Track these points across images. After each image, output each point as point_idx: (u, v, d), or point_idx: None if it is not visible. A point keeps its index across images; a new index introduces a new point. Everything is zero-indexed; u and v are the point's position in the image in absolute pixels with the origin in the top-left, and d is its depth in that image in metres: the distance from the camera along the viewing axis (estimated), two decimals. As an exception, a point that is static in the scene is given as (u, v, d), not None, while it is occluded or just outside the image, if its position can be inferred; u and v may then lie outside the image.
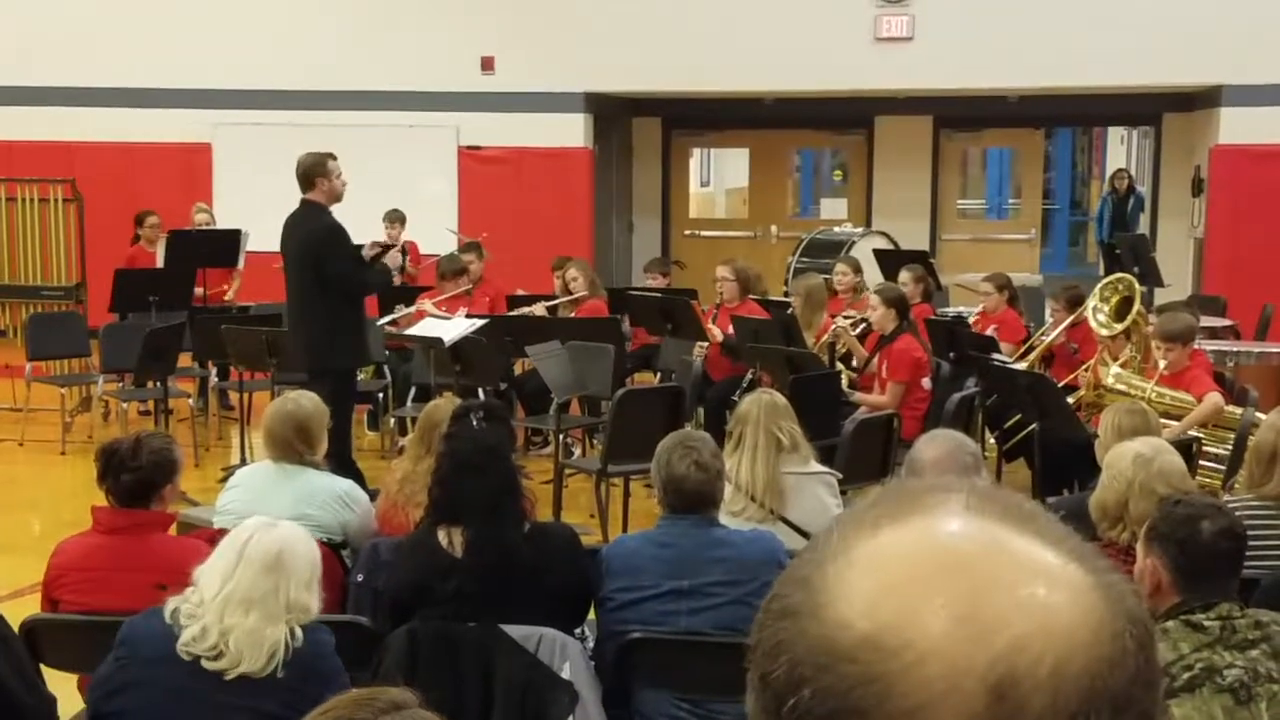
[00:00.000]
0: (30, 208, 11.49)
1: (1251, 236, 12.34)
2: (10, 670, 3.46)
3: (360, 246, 8.12)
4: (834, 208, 15.90)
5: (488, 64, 13.33)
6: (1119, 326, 7.76)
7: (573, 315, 9.58)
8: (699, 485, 4.06)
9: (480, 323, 8.57)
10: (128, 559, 4.07)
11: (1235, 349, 8.98)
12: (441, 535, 4.02)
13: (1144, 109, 14.65)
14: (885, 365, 8.07)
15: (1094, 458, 4.85)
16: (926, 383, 8.02)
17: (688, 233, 15.68)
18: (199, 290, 10.49)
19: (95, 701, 3.37)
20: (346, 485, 5.00)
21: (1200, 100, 13.40)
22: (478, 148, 13.45)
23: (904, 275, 9.43)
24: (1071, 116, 16.63)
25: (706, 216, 16.97)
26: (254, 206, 11.05)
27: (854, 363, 8.74)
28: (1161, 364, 7.04)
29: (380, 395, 9.94)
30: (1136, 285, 8.01)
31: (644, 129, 15.52)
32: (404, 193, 12.02)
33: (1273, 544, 4.32)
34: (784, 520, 4.85)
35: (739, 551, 4.05)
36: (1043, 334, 8.88)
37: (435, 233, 11.86)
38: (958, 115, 14.74)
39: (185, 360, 9.88)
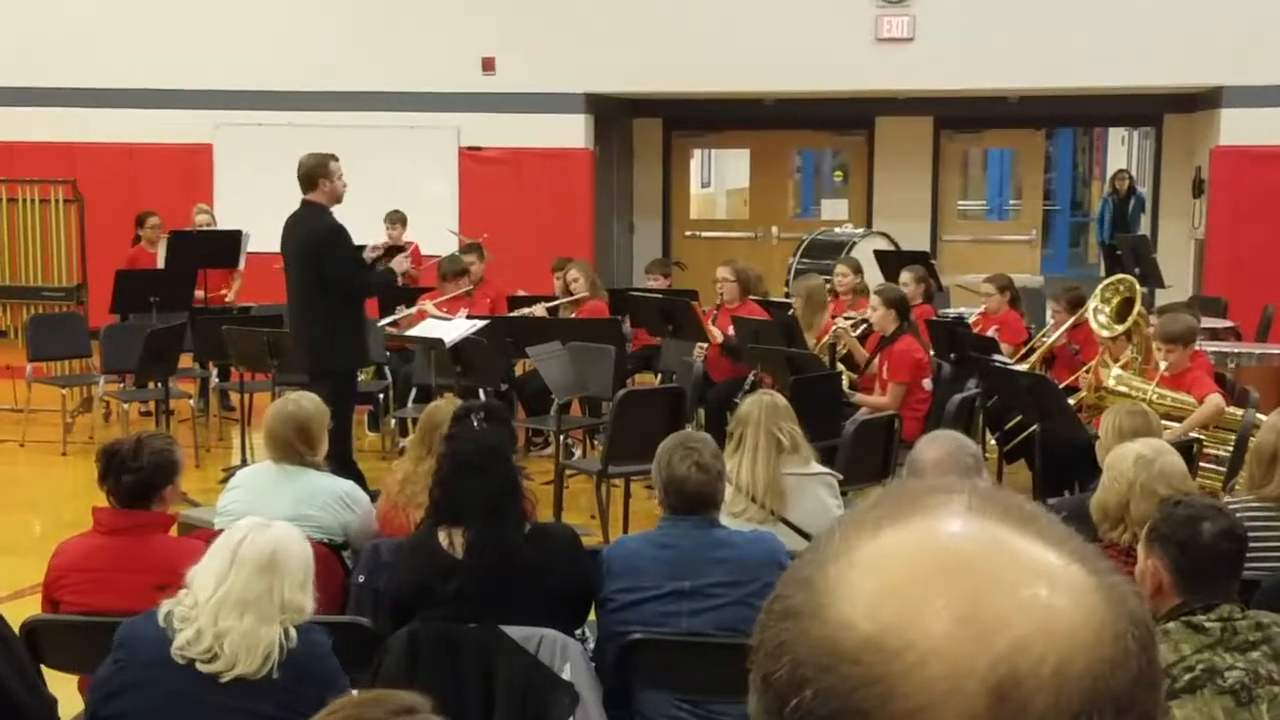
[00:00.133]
0: (31, 208, 11.49)
1: (1252, 237, 12.34)
2: (11, 671, 3.46)
3: (362, 248, 8.12)
4: (835, 208, 15.90)
5: (488, 65, 13.33)
6: (1120, 328, 7.76)
7: (573, 316, 9.58)
8: (700, 486, 4.06)
9: (481, 324, 8.58)
10: (128, 560, 4.08)
11: (1236, 350, 8.99)
12: (442, 536, 4.02)
13: (1145, 110, 14.65)
14: (886, 366, 8.07)
15: (1095, 459, 4.85)
16: (927, 384, 8.02)
17: (688, 233, 15.69)
18: (199, 293, 10.49)
19: (94, 704, 3.37)
20: (347, 486, 5.00)
21: (1201, 101, 13.40)
22: (478, 148, 13.45)
23: (905, 276, 9.43)
24: (1072, 117, 16.63)
25: (707, 217, 16.97)
26: (255, 207, 11.06)
27: (863, 362, 8.74)
28: (1162, 365, 7.04)
29: (381, 396, 9.94)
30: (1137, 286, 8.01)
31: (645, 130, 15.52)
32: (404, 194, 12.02)
33: (1273, 545, 4.32)
34: (785, 521, 4.85)
35: (740, 552, 4.05)
36: (1044, 335, 8.88)
37: (436, 234, 11.86)
38: (958, 116, 14.75)
39: (186, 361, 9.88)
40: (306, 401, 5.03)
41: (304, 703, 3.26)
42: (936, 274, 10.89)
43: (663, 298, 9.76)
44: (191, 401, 10.30)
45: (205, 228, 11.22)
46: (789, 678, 0.76)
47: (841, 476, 5.47)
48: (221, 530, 4.11)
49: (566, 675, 3.88)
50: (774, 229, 15.47)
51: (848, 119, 14.98)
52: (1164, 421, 5.92)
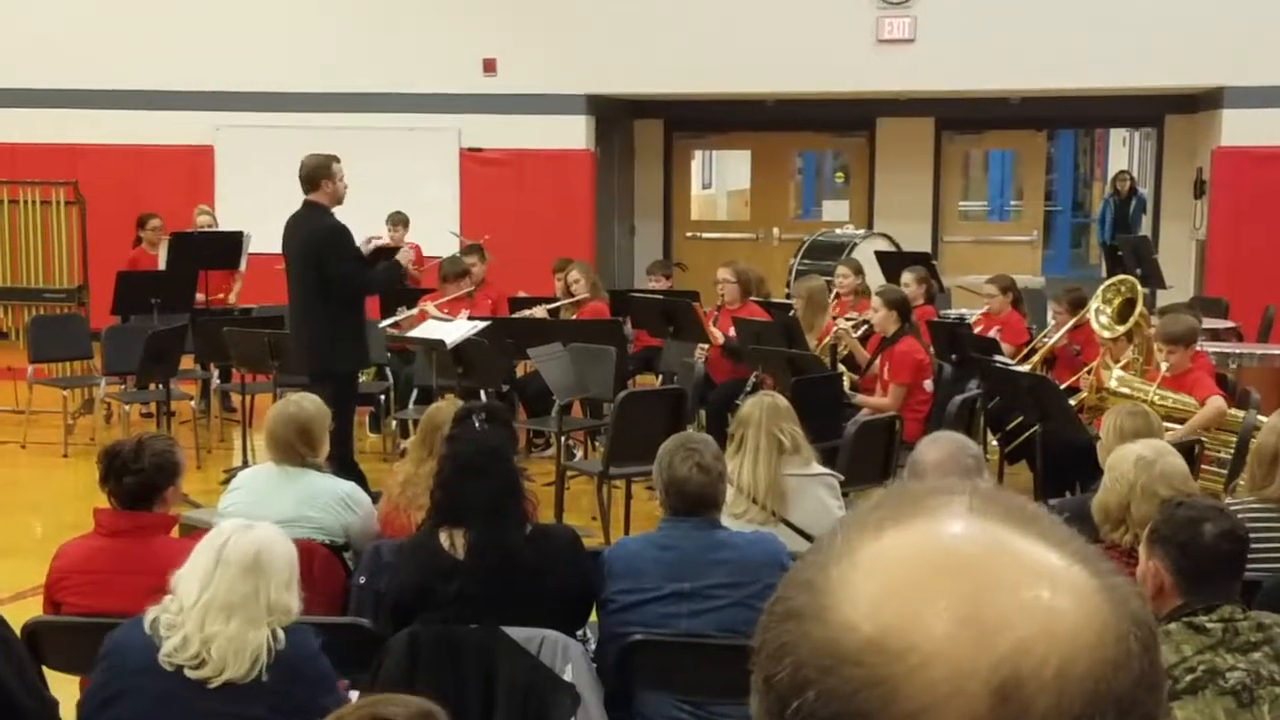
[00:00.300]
0: (32, 210, 11.49)
1: (1253, 238, 12.34)
2: (12, 672, 3.46)
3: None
4: (836, 210, 15.90)
5: (489, 66, 13.33)
6: (1121, 328, 7.76)
7: (574, 317, 9.58)
8: (701, 487, 4.06)
9: (482, 325, 8.58)
10: (130, 561, 4.07)
11: (1237, 351, 8.98)
12: (443, 537, 4.02)
13: (1146, 111, 14.65)
14: (887, 367, 8.07)
15: (1096, 460, 4.85)
16: (928, 385, 8.02)
17: (689, 235, 15.69)
18: (200, 295, 10.50)
19: (87, 713, 3.35)
20: (348, 487, 5.00)
21: (1202, 102, 13.40)
22: (479, 150, 13.45)
23: (906, 277, 9.42)
24: (1073, 118, 16.63)
25: (708, 218, 16.97)
26: (256, 208, 11.06)
27: (864, 363, 8.74)
28: (1163, 366, 7.04)
29: (382, 397, 9.94)
30: (1139, 287, 8.01)
31: (646, 131, 15.52)
32: (406, 195, 12.03)
33: (1275, 546, 4.32)
34: (786, 522, 4.85)
35: (741, 554, 4.05)
36: (1045, 336, 8.88)
37: (437, 235, 11.86)
38: (959, 117, 14.75)
39: (187, 363, 9.89)
40: (308, 403, 5.03)
41: (296, 705, 3.25)
42: (938, 275, 10.89)
43: (664, 299, 9.76)
44: (193, 403, 10.30)
45: (206, 229, 11.22)
46: (791, 679, 0.76)
47: (843, 478, 5.47)
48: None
49: (568, 676, 3.88)
50: (775, 230, 15.47)
51: (849, 120, 14.98)
52: (1165, 423, 5.92)
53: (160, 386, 9.61)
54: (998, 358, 8.30)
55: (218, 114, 13.39)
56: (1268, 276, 11.75)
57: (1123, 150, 20.31)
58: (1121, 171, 17.03)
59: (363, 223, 8.53)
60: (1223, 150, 12.67)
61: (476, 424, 4.23)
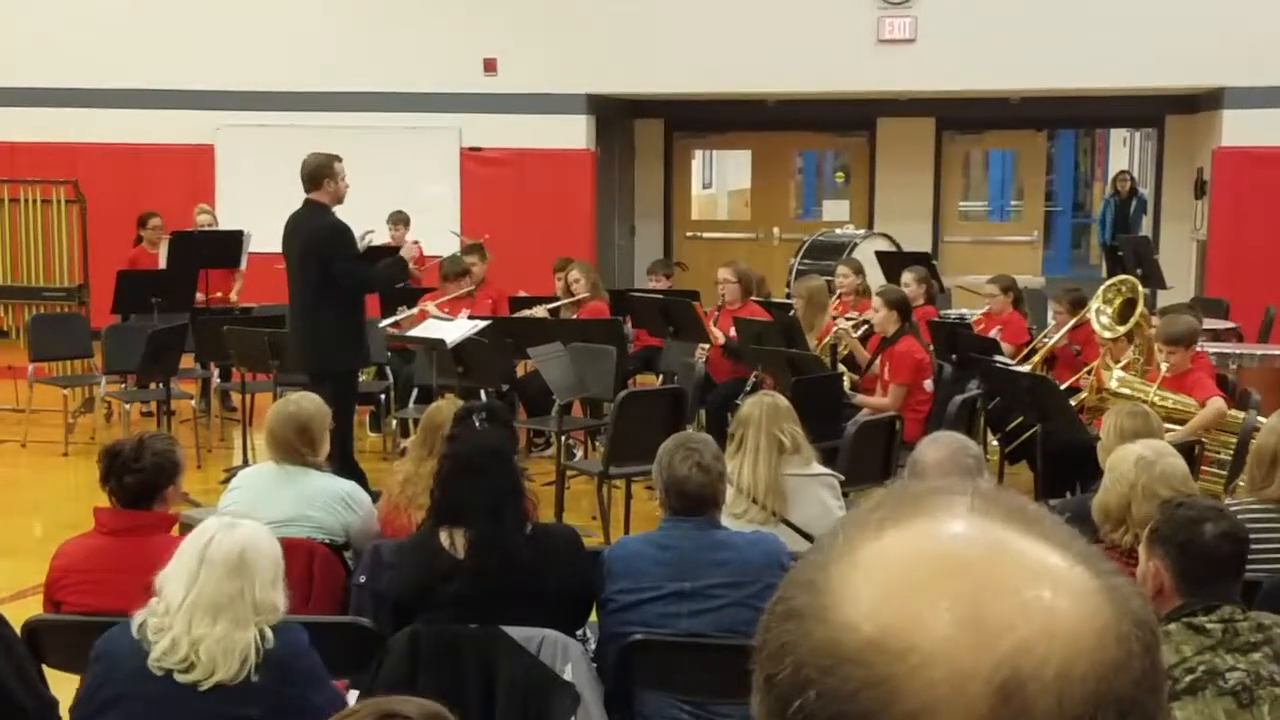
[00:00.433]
0: (33, 209, 11.49)
1: (1254, 239, 12.34)
2: (12, 672, 3.46)
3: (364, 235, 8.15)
4: (836, 210, 15.90)
5: (490, 66, 13.33)
6: (1122, 329, 7.76)
7: (574, 317, 9.58)
8: (701, 487, 4.06)
9: (482, 324, 8.57)
10: (130, 560, 4.07)
11: (1238, 351, 8.98)
12: (443, 537, 4.02)
13: (1146, 111, 14.65)
14: (887, 367, 8.07)
15: (1096, 460, 4.85)
16: (928, 385, 8.02)
17: (689, 235, 15.69)
18: (200, 295, 10.50)
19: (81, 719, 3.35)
20: (349, 487, 5.00)
21: (1203, 102, 13.40)
22: (480, 149, 13.45)
23: (907, 277, 9.43)
24: (1074, 118, 16.63)
25: (708, 218, 16.97)
26: (256, 208, 11.06)
27: (864, 363, 8.74)
28: (1164, 367, 7.04)
29: (382, 397, 9.94)
30: (1139, 287, 8.01)
31: (646, 131, 15.52)
32: (406, 194, 12.03)
33: (1274, 547, 4.32)
34: (786, 522, 4.85)
35: (741, 553, 4.05)
36: (1045, 336, 8.88)
37: (438, 234, 11.86)
38: (960, 117, 14.75)
39: (187, 361, 9.89)
40: (307, 402, 5.03)
41: (288, 703, 3.25)
42: (938, 275, 10.89)
43: (664, 299, 9.76)
44: (193, 402, 10.30)
45: (207, 228, 11.22)
46: (791, 679, 0.76)
47: (843, 477, 5.47)
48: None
49: (568, 676, 3.88)
50: (775, 230, 15.47)
51: (849, 120, 14.98)
52: (1165, 424, 5.92)
53: (160, 385, 9.61)
54: (998, 358, 8.30)
55: (218, 113, 13.39)
56: (1268, 277, 11.75)
57: (1123, 150, 20.31)
58: (1122, 172, 17.04)
59: (363, 222, 8.54)
60: (1223, 150, 12.67)
61: (477, 423, 4.23)
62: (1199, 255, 13.48)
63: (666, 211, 15.63)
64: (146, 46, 13.34)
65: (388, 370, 10.03)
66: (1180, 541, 3.11)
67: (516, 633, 3.88)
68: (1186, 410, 6.87)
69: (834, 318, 9.08)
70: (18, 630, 3.75)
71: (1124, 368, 7.43)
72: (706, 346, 9.08)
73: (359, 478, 6.25)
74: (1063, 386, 7.58)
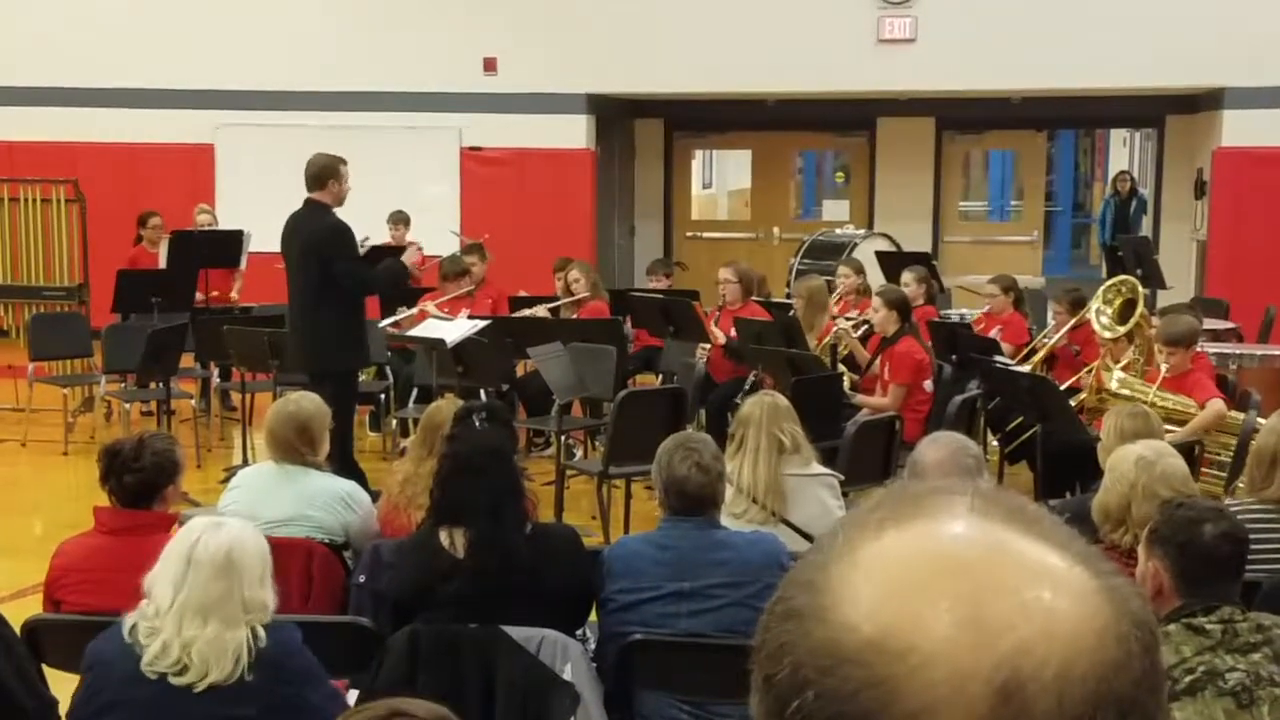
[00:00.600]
0: (33, 208, 11.49)
1: (1254, 239, 12.34)
2: (11, 672, 3.45)
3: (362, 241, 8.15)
4: (836, 209, 15.90)
5: (490, 65, 13.34)
6: (1122, 329, 7.76)
7: (574, 317, 9.58)
8: (700, 487, 4.06)
9: (482, 324, 8.57)
10: (129, 560, 4.06)
11: (1238, 351, 8.98)
12: (443, 537, 4.02)
13: (1147, 111, 14.65)
14: (887, 367, 8.07)
15: (1096, 460, 4.85)
16: (928, 385, 8.02)
17: (689, 234, 15.69)
18: (200, 295, 10.50)
19: None
20: (348, 486, 5.00)
21: (1203, 102, 13.40)
22: (480, 149, 13.45)
23: (906, 277, 9.42)
24: (1074, 118, 16.63)
25: (708, 218, 16.97)
26: (256, 207, 11.06)
27: (864, 363, 8.73)
28: (1163, 367, 7.03)
29: (382, 396, 9.94)
30: (1139, 288, 8.00)
31: (646, 130, 15.52)
32: (406, 194, 12.03)
33: (1274, 547, 4.32)
34: (785, 522, 4.85)
35: (740, 553, 4.05)
36: (1045, 336, 8.88)
37: (437, 234, 11.86)
38: (960, 117, 14.75)
39: (187, 361, 9.89)
40: (307, 402, 5.03)
41: (283, 701, 3.24)
42: (938, 275, 10.89)
43: (664, 298, 9.76)
44: (193, 401, 10.30)
45: (206, 228, 11.22)
46: (790, 679, 0.76)
47: (843, 477, 5.47)
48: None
49: (567, 676, 3.88)
50: (775, 230, 15.47)
51: (849, 120, 14.98)
52: (1165, 426, 5.91)
53: (160, 385, 9.61)
54: (998, 358, 8.30)
55: (218, 113, 13.38)
56: (1268, 277, 11.75)
57: (1123, 150, 20.32)
58: (1122, 172, 17.04)
59: (363, 222, 8.55)
60: (1223, 151, 12.67)
61: (476, 423, 4.23)
62: (1199, 255, 13.48)
63: (666, 211, 15.63)
64: (146, 46, 13.35)
65: (387, 370, 10.02)
66: (1180, 542, 3.11)
67: (516, 632, 3.88)
68: (1186, 411, 6.86)
69: (834, 318, 9.08)
70: (17, 630, 3.74)
71: (1124, 368, 7.42)
72: (707, 346, 9.08)
73: (359, 477, 6.25)
74: (1063, 387, 7.58)
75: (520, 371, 9.39)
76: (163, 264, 10.80)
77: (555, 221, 12.94)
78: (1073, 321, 8.49)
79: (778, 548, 4.16)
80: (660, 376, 9.81)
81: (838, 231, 13.33)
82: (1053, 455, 7.10)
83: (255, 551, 3.29)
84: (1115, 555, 3.64)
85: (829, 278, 9.99)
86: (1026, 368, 8.25)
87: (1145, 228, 15.02)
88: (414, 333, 8.82)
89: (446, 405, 5.11)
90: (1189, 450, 5.83)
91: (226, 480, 6.14)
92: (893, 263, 10.78)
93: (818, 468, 5.15)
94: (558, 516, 7.18)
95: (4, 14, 13.68)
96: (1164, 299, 10.80)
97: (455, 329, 8.35)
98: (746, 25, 12.82)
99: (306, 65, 13.24)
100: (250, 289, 11.06)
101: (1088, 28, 12.40)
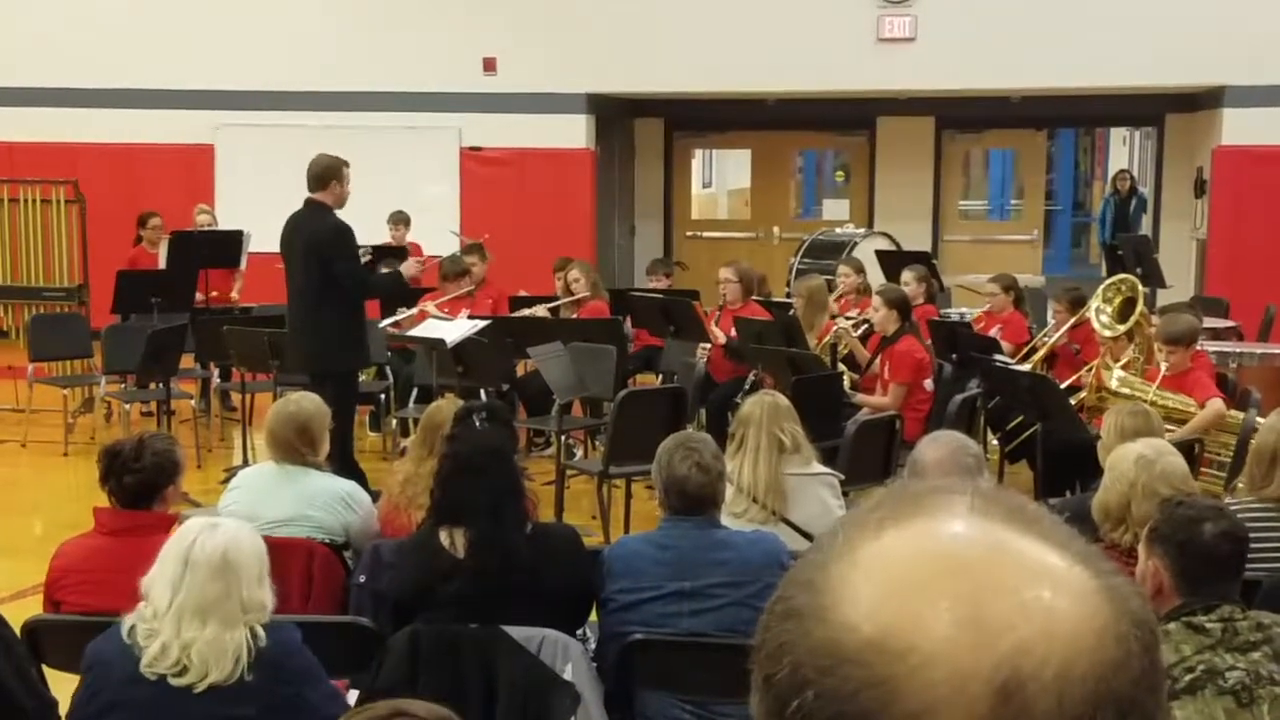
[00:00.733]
0: (32, 209, 11.49)
1: (1254, 237, 12.34)
2: (11, 672, 3.45)
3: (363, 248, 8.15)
4: (836, 209, 15.90)
5: (490, 65, 13.33)
6: (1122, 328, 7.75)
7: (575, 316, 9.58)
8: (700, 487, 4.06)
9: (482, 324, 8.57)
10: (129, 560, 4.05)
11: (1238, 350, 8.98)
12: (443, 536, 4.01)
13: (1146, 110, 14.65)
14: (887, 366, 8.06)
15: (1096, 459, 4.85)
16: (929, 384, 8.02)
17: (690, 234, 15.69)
18: (200, 295, 10.50)
19: None
20: (349, 486, 5.00)
21: (1203, 101, 13.40)
22: (480, 149, 13.45)
23: (907, 276, 9.42)
24: (1074, 117, 16.63)
25: (708, 218, 16.97)
26: (256, 207, 11.06)
27: (864, 362, 8.73)
28: (1163, 366, 7.03)
29: (382, 396, 9.94)
30: (1139, 286, 8.00)
31: (646, 130, 15.52)
32: (406, 194, 12.03)
33: (1274, 546, 4.32)
34: (786, 521, 4.85)
35: (741, 553, 4.05)
36: (1045, 335, 8.88)
37: (437, 234, 11.86)
38: (960, 116, 14.74)
39: (187, 361, 9.89)
40: (307, 402, 5.03)
41: (283, 701, 3.25)
42: (938, 274, 10.89)
43: (664, 298, 9.76)
44: (193, 402, 10.30)
45: (206, 228, 11.22)
46: (790, 679, 0.76)
47: (843, 477, 5.47)
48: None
49: (568, 675, 3.88)
50: (775, 229, 15.47)
51: (849, 119, 14.98)
52: (1165, 425, 5.91)
53: (160, 385, 9.61)
54: (998, 357, 8.30)
55: (218, 113, 13.39)
56: (1268, 276, 11.75)
57: (1123, 149, 20.32)
58: (1122, 170, 17.03)
59: (363, 222, 8.54)
60: (1223, 149, 12.67)
61: (477, 423, 4.23)
62: (1199, 254, 13.48)
63: (666, 211, 15.63)
64: (146, 46, 13.34)
65: (388, 370, 10.02)
66: (1180, 541, 3.11)
67: (517, 632, 3.88)
68: (1186, 410, 6.86)
69: (834, 317, 9.07)
70: (17, 630, 3.74)
71: (1124, 367, 7.42)
72: (707, 346, 9.07)
73: (359, 477, 6.25)
74: (1063, 385, 7.57)
75: (520, 371, 9.39)
76: (162, 264, 10.80)
77: (555, 221, 12.94)
78: (1072, 320, 8.49)
79: (778, 547, 4.16)
80: (660, 376, 9.81)
81: (838, 231, 13.33)
82: (1053, 454, 7.10)
83: (252, 551, 3.29)
84: (1115, 554, 3.64)
85: (829, 277, 9.99)
86: (1027, 367, 8.24)
87: (1145, 226, 15.02)
88: (414, 333, 8.82)
89: (447, 405, 5.11)
90: (1189, 449, 5.83)
91: (227, 481, 6.14)
92: (893, 262, 10.78)
93: (818, 467, 5.15)
94: (558, 516, 7.18)
95: (4, 14, 13.68)
96: (1164, 298, 10.80)
97: (455, 329, 8.36)
98: (746, 24, 12.82)
99: (306, 65, 13.24)
100: (250, 289, 11.06)
101: (1087, 26, 12.40)
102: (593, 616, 4.32)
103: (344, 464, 6.73)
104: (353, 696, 3.74)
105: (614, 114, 14.41)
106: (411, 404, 9.31)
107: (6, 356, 10.85)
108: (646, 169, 15.60)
